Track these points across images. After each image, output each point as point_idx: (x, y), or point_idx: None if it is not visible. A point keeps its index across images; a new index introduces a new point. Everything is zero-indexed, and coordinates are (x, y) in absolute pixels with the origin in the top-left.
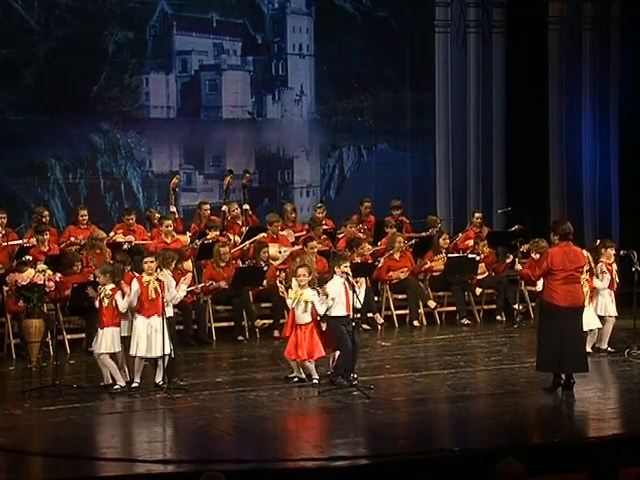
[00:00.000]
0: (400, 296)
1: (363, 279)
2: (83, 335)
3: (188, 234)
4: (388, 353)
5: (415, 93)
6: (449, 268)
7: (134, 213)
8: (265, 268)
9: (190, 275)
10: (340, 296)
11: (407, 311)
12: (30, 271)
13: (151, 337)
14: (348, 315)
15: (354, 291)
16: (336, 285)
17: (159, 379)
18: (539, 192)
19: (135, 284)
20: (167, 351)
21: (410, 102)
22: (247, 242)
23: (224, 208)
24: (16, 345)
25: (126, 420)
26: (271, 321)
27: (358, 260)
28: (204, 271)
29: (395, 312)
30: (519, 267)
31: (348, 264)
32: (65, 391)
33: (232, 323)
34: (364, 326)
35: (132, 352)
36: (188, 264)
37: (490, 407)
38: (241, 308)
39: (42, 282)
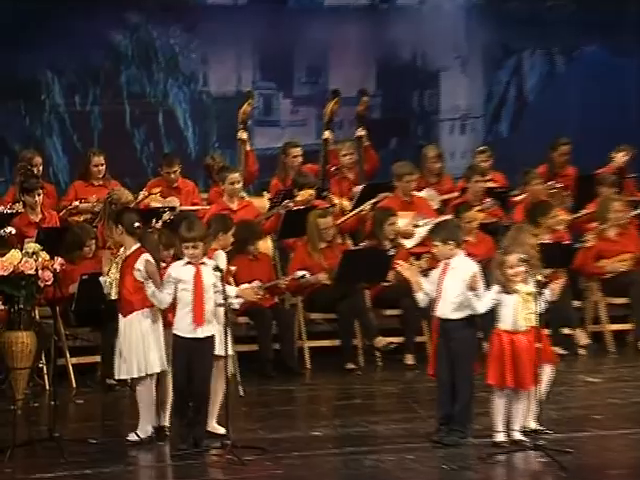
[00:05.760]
0: (618, 300)
1: (559, 273)
2: (97, 358)
3: (266, 195)
4: (598, 395)
5: None
6: None
7: (179, 161)
8: (392, 251)
9: (232, 269)
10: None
11: (631, 325)
12: (13, 254)
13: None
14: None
15: (540, 293)
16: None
17: (212, 425)
18: None
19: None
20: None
21: None
22: (362, 207)
23: (326, 149)
24: None
25: None
26: (401, 339)
27: (546, 239)
28: (292, 256)
29: (610, 327)
30: None
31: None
32: (69, 448)
33: (337, 342)
34: (556, 349)
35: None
36: (265, 244)
37: None
38: (352, 317)
39: (33, 271)
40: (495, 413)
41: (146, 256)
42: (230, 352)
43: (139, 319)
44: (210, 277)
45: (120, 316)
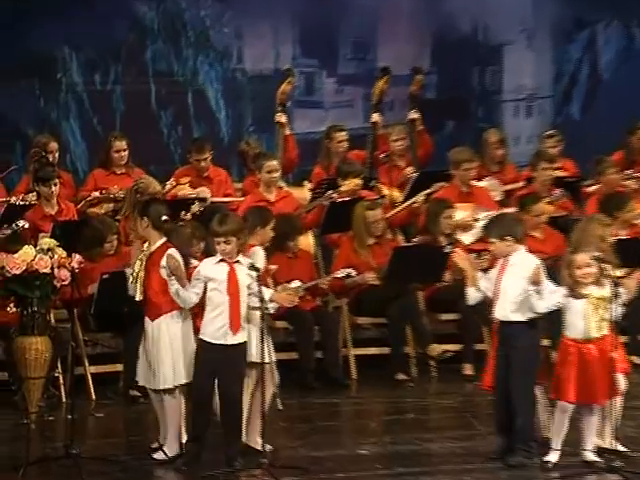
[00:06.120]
0: None
1: (637, 272)
2: (119, 366)
3: (307, 185)
4: None
5: None
6: None
7: (210, 147)
8: (448, 248)
9: (271, 268)
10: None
11: None
12: (27, 250)
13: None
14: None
15: (616, 296)
16: None
17: (254, 439)
18: None
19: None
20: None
21: None
22: (415, 199)
23: (375, 133)
24: (1, 384)
25: None
26: (459, 347)
27: (622, 235)
28: (336, 253)
29: None
30: None
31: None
32: (87, 467)
33: (386, 349)
34: (633, 359)
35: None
36: (306, 240)
37: None
38: (403, 322)
39: (48, 270)
40: (554, 430)
41: (171, 251)
42: (272, 358)
43: (167, 322)
44: (245, 277)
45: (147, 319)
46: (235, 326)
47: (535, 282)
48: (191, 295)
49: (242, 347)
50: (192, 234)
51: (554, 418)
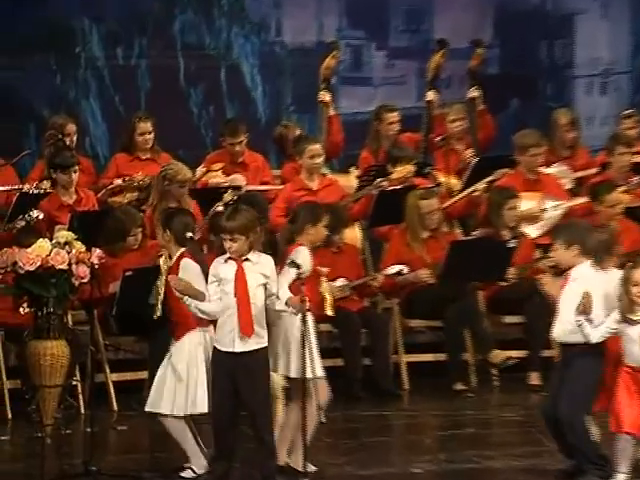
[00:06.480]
0: None
1: None
2: (144, 374)
3: (354, 172)
4: None
5: None
6: None
7: (245, 130)
8: (512, 242)
9: (322, 271)
10: None
11: None
12: (41, 244)
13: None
14: None
15: None
16: None
17: (293, 459)
18: None
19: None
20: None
21: None
22: (475, 187)
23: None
24: (14, 393)
25: None
26: (523, 354)
27: None
28: (386, 248)
29: None
30: None
31: None
32: None
33: (442, 356)
34: None
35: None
36: (353, 233)
37: None
38: (461, 326)
39: (65, 266)
40: (619, 456)
41: (184, 263)
42: (316, 373)
43: (189, 342)
44: (256, 277)
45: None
46: (246, 330)
47: (583, 312)
48: (211, 306)
49: (258, 354)
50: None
51: (617, 446)
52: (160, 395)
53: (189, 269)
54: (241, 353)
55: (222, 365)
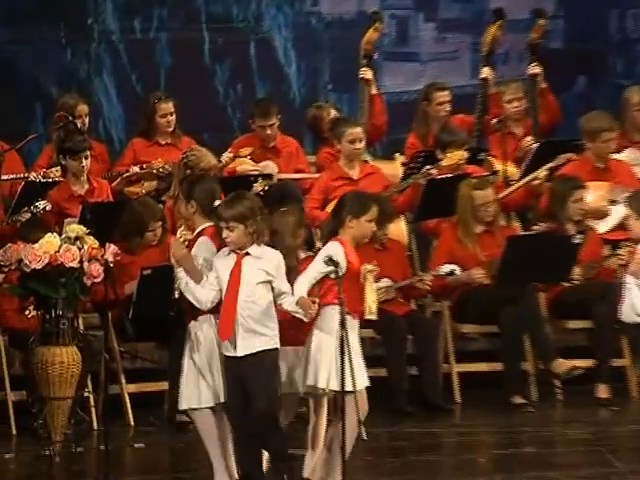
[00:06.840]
0: None
1: None
2: (164, 385)
3: (399, 159)
4: None
5: None
6: None
7: (278, 111)
8: (578, 238)
9: (371, 270)
10: None
11: None
12: (50, 239)
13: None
14: None
15: None
16: None
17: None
18: None
19: None
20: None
21: None
22: (536, 175)
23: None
24: (18, 405)
25: None
26: (590, 363)
27: None
28: (435, 244)
29: None
30: None
31: None
32: None
33: (498, 365)
34: None
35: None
36: (398, 227)
37: None
38: (520, 331)
39: (76, 264)
40: None
41: (200, 240)
42: (356, 385)
43: (200, 327)
44: (255, 273)
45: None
46: (223, 333)
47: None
48: (204, 292)
49: (260, 357)
50: (297, 222)
51: None
52: (186, 390)
53: (202, 248)
54: (245, 356)
55: (229, 370)
